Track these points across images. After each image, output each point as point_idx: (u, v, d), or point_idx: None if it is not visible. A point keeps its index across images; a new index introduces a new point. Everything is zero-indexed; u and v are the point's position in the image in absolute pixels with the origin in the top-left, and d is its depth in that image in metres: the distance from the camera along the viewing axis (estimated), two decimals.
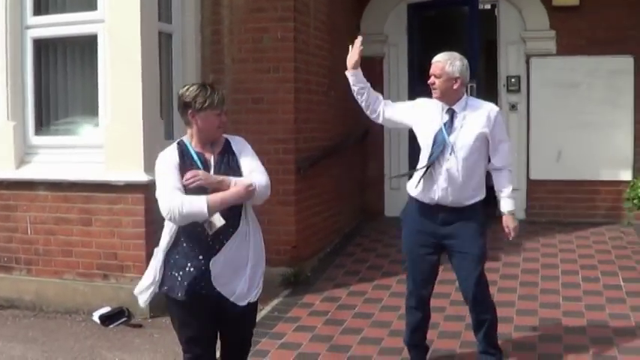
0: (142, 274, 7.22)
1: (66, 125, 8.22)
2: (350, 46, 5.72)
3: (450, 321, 6.67)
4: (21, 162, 8.06)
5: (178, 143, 4.67)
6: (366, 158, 11.30)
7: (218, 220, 4.45)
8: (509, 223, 5.57)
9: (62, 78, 8.27)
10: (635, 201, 8.47)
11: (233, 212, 4.54)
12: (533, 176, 10.77)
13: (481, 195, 5.59)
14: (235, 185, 4.47)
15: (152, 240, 7.20)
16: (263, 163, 4.71)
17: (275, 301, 7.64)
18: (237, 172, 4.59)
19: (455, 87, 5.44)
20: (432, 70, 5.51)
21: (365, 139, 10.81)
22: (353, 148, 10.53)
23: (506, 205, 5.57)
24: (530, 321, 6.78)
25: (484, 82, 11.15)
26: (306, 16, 8.70)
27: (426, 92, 5.61)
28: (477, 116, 5.46)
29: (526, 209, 10.81)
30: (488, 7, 11.59)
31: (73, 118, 8.24)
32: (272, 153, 7.97)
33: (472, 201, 5.54)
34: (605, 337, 6.30)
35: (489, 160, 5.58)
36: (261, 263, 4.76)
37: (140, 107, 7.35)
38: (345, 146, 10.07)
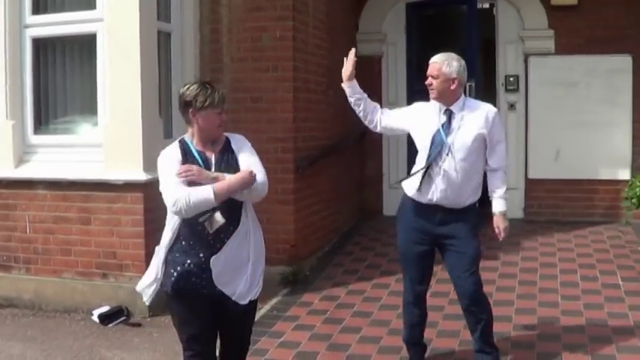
0: (142, 273, 7.22)
1: (65, 124, 8.22)
2: (345, 58, 5.73)
3: (449, 320, 6.67)
4: (20, 161, 8.06)
5: (180, 141, 4.67)
6: (365, 157, 11.30)
7: (218, 219, 4.47)
8: (499, 224, 5.57)
9: (61, 77, 8.26)
10: (633, 200, 8.48)
11: (233, 210, 4.56)
12: (532, 175, 10.79)
13: (478, 196, 5.60)
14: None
15: (151, 239, 7.22)
16: (262, 162, 4.71)
17: (274, 300, 7.65)
18: (236, 169, 4.59)
19: (452, 88, 5.44)
20: (429, 71, 5.51)
21: (363, 139, 10.80)
22: (352, 147, 10.54)
23: (498, 205, 5.58)
24: (529, 320, 6.80)
25: (482, 81, 11.15)
26: (304, 15, 8.71)
27: (425, 91, 5.60)
28: (475, 117, 5.46)
29: (524, 208, 10.82)
30: (486, 6, 11.59)
31: (72, 117, 8.23)
32: (271, 152, 7.97)
33: (469, 202, 5.55)
34: (603, 336, 6.31)
35: (486, 161, 5.59)
36: (262, 261, 4.78)
37: (139, 106, 7.35)
38: (344, 145, 10.08)
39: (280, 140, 8.25)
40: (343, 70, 5.72)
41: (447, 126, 5.46)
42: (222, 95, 4.58)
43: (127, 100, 7.39)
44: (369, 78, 11.08)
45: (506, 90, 10.86)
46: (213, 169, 4.56)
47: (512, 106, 10.84)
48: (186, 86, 4.63)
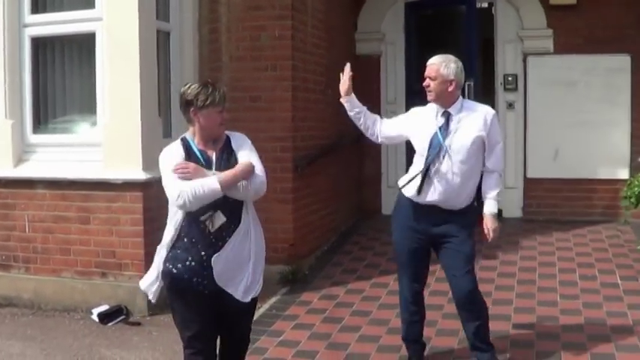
0: (141, 272, 7.34)
1: (64, 123, 8.22)
2: (340, 73, 5.74)
3: (448, 318, 6.67)
4: (19, 160, 8.06)
5: (182, 140, 4.70)
6: (363, 157, 11.30)
7: (220, 217, 4.49)
8: (489, 225, 5.57)
9: (60, 76, 8.26)
10: (632, 199, 8.48)
11: (234, 209, 4.59)
12: (531, 175, 10.79)
13: (474, 196, 5.61)
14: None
15: (150, 238, 7.24)
16: (261, 161, 4.73)
17: (273, 299, 7.66)
18: None
19: (450, 89, 5.45)
20: (426, 73, 5.52)
21: (362, 138, 10.75)
22: (350, 146, 10.54)
23: (489, 206, 5.59)
24: (528, 319, 6.80)
25: (481, 80, 11.14)
26: (303, 14, 8.71)
27: (423, 91, 5.60)
28: (473, 119, 5.47)
29: (523, 208, 10.84)
30: (485, 5, 11.60)
31: (71, 116, 8.24)
32: (270, 151, 7.96)
33: (466, 203, 5.57)
34: (602, 335, 6.31)
35: (483, 163, 5.60)
36: (262, 259, 4.82)
37: (138, 105, 7.36)
38: (343, 145, 10.08)
39: (279, 139, 8.25)
40: (341, 85, 5.73)
41: (445, 128, 5.46)
42: (223, 94, 4.61)
43: (126, 100, 7.40)
44: (368, 77, 11.13)
45: (505, 89, 10.86)
46: (214, 168, 4.58)
47: (510, 106, 10.84)
48: (187, 85, 4.65)
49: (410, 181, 5.53)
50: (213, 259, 4.53)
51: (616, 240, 9.33)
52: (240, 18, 8.39)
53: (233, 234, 4.58)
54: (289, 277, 8.18)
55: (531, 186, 10.80)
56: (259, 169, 4.63)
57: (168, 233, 4.64)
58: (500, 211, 10.51)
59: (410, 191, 5.60)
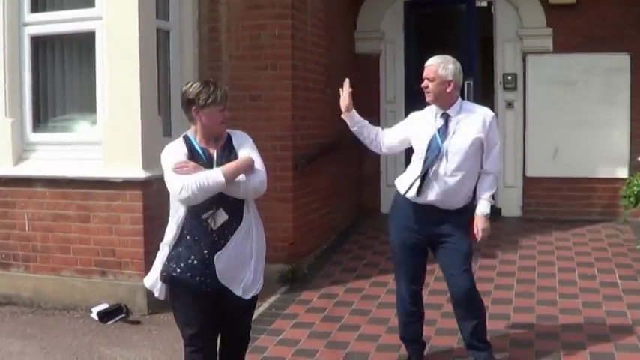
0: (141, 270, 7.37)
1: (64, 122, 8.23)
2: (340, 89, 5.75)
3: (448, 317, 6.65)
4: (19, 159, 8.07)
5: (184, 138, 4.72)
6: (363, 156, 11.27)
7: (222, 215, 4.52)
8: (479, 225, 5.54)
9: (60, 75, 8.27)
10: (631, 199, 8.49)
11: (236, 207, 4.63)
12: (530, 174, 10.80)
13: (471, 197, 5.62)
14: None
15: (150, 237, 7.25)
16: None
17: (272, 298, 7.67)
18: None
19: (448, 90, 5.45)
20: (425, 74, 5.52)
21: None
22: (350, 145, 10.50)
23: (482, 207, 5.57)
24: (527, 318, 6.81)
25: (481, 79, 11.15)
26: (303, 13, 8.71)
27: (423, 90, 5.60)
28: (472, 121, 5.47)
29: (522, 207, 10.85)
30: (484, 4, 11.59)
31: (71, 115, 8.24)
32: (269, 150, 7.96)
33: (463, 204, 5.58)
34: (601, 334, 6.32)
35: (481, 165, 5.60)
36: (263, 257, 4.86)
37: (138, 104, 7.36)
38: (342, 144, 10.07)
39: (279, 138, 8.25)
40: (341, 101, 5.74)
41: (444, 130, 5.47)
42: (224, 92, 4.64)
43: (126, 98, 7.40)
44: (367, 76, 11.14)
45: (505, 88, 10.86)
46: (214, 165, 4.61)
47: (510, 105, 10.85)
48: (189, 84, 4.68)
49: (411, 186, 5.52)
50: (215, 257, 4.57)
51: (615, 239, 9.34)
52: (240, 17, 8.40)
53: (235, 232, 4.62)
54: (289, 275, 8.18)
55: (530, 185, 10.81)
56: (260, 167, 4.66)
57: (171, 231, 4.67)
58: (499, 210, 10.72)
59: (407, 192, 5.61)
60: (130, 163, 7.41)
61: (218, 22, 8.47)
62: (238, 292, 4.67)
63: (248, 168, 4.61)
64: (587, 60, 10.45)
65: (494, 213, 10.46)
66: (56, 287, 7.83)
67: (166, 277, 4.68)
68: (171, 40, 8.28)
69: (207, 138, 4.69)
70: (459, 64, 5.52)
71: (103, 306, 7.48)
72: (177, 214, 4.63)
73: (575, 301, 7.20)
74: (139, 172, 7.37)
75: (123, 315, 7.42)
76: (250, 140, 4.82)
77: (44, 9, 8.17)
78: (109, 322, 7.32)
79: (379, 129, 5.88)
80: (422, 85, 5.54)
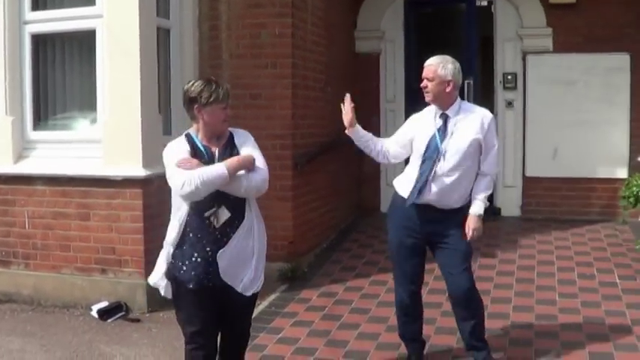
0: (141, 268, 7.37)
1: (64, 120, 8.23)
2: (342, 105, 5.75)
3: (447, 316, 6.64)
4: (19, 157, 8.06)
5: (186, 136, 4.75)
6: (363, 154, 11.25)
7: (224, 213, 4.55)
8: (471, 224, 5.52)
9: (60, 73, 8.27)
10: (630, 199, 8.49)
11: (238, 205, 4.66)
12: (529, 173, 10.81)
13: (469, 196, 5.62)
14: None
15: (150, 235, 7.26)
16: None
17: (272, 296, 7.67)
18: None
19: (447, 90, 5.46)
20: (424, 74, 5.53)
21: None
22: (349, 144, 10.49)
23: (476, 207, 5.55)
24: (527, 317, 6.82)
25: (480, 79, 11.15)
26: (303, 12, 8.72)
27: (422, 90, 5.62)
28: (471, 122, 5.48)
29: (522, 206, 10.86)
30: (484, 3, 11.59)
31: (71, 113, 8.24)
32: (269, 149, 7.94)
33: (461, 203, 5.58)
34: (600, 334, 6.33)
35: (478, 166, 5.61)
36: (264, 255, 4.90)
37: (138, 102, 7.36)
38: (342, 142, 10.05)
39: (279, 137, 8.25)
40: (344, 117, 5.73)
41: (443, 130, 5.48)
42: (226, 91, 4.66)
43: (127, 97, 7.40)
44: (367, 75, 11.15)
45: (505, 88, 10.88)
46: (216, 163, 4.62)
47: (510, 104, 10.86)
48: (191, 82, 4.70)
49: (415, 190, 5.51)
50: (218, 254, 4.60)
51: (614, 239, 9.35)
52: (241, 15, 8.40)
53: (237, 230, 4.66)
54: (288, 274, 8.19)
55: (530, 185, 10.82)
56: (263, 165, 4.69)
57: (173, 230, 4.69)
58: (498, 210, 10.70)
59: (405, 191, 5.62)
60: (130, 161, 7.41)
61: (218, 20, 8.47)
62: (240, 289, 4.71)
63: (250, 165, 4.63)
64: (587, 60, 10.46)
65: (494, 212, 10.55)
66: (56, 285, 7.83)
67: (172, 275, 4.70)
68: (172, 38, 8.28)
69: (209, 136, 4.71)
70: (458, 64, 5.52)
71: (103, 304, 7.48)
72: (179, 212, 4.65)
73: (574, 300, 7.21)
74: (139, 171, 7.37)
75: (123, 313, 7.41)
76: (252, 139, 4.85)
77: (45, 7, 8.17)
78: (109, 320, 7.31)
79: (383, 140, 5.90)
80: (421, 85, 5.55)
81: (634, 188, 8.35)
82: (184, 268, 4.65)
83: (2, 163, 8.02)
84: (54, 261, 7.85)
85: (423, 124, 5.61)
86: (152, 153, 7.32)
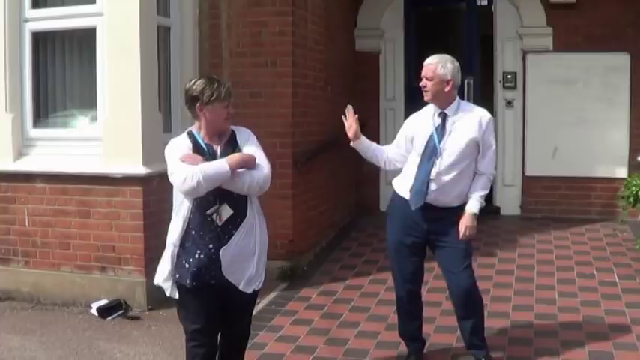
0: (141, 266, 7.38)
1: (64, 118, 8.23)
2: (343, 117, 5.75)
3: (447, 315, 6.65)
4: (19, 154, 8.06)
5: (188, 133, 4.75)
6: None
7: (227, 210, 4.56)
8: (465, 222, 5.51)
9: (61, 71, 8.26)
10: (630, 199, 8.49)
11: (240, 203, 4.68)
12: (529, 173, 10.80)
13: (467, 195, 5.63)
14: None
15: (150, 233, 7.28)
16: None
17: (272, 295, 7.68)
18: None
19: (446, 89, 5.46)
20: (423, 73, 5.54)
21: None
22: (349, 142, 10.54)
23: (471, 205, 5.54)
24: (526, 316, 6.82)
25: (480, 78, 11.15)
26: (303, 10, 8.72)
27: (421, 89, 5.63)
28: (469, 121, 5.49)
29: (521, 205, 10.85)
30: (485, 3, 11.59)
31: (71, 110, 8.24)
32: (269, 147, 7.84)
33: (460, 202, 5.59)
34: (600, 333, 6.35)
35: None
36: (265, 252, 4.92)
37: (139, 100, 7.36)
38: (342, 141, 10.07)
39: (279, 135, 8.25)
40: (347, 129, 5.73)
41: (441, 128, 5.49)
42: (228, 89, 4.67)
43: (127, 95, 7.40)
44: (367, 74, 11.15)
45: (504, 87, 10.87)
46: None
47: (509, 104, 10.85)
48: (193, 81, 4.70)
49: (419, 191, 5.52)
50: (221, 252, 4.62)
51: (614, 238, 9.35)
52: (241, 14, 8.40)
53: (239, 228, 4.68)
54: (288, 272, 8.21)
55: (530, 184, 10.81)
56: (265, 163, 4.70)
57: (176, 227, 4.70)
58: (498, 209, 10.71)
59: (404, 190, 5.63)
60: (130, 159, 7.41)
61: (219, 18, 8.48)
62: (241, 286, 4.73)
63: (251, 164, 4.63)
64: (587, 59, 10.46)
65: (493, 212, 10.55)
66: (56, 283, 7.84)
67: (177, 272, 4.71)
68: (172, 36, 8.29)
69: (211, 134, 4.72)
70: (457, 64, 5.53)
71: (103, 302, 7.48)
72: (181, 209, 4.66)
73: (574, 299, 7.22)
74: (139, 169, 7.38)
75: (122, 311, 7.41)
76: (254, 137, 4.86)
77: (45, 5, 8.16)
78: (109, 318, 7.32)
79: (386, 148, 5.92)
80: (420, 84, 5.55)
81: (633, 188, 8.36)
82: (186, 265, 4.66)
83: (2, 161, 8.02)
84: (54, 259, 7.86)
85: (421, 123, 5.62)
86: (152, 151, 7.33)
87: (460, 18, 11.03)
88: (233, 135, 4.81)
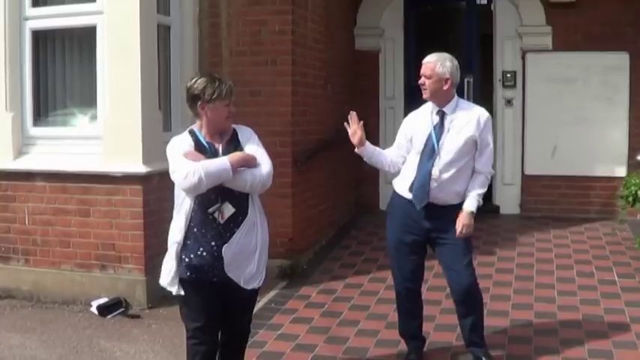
0: (140, 265, 7.40)
1: (64, 116, 8.22)
2: (345, 123, 5.74)
3: (447, 314, 6.67)
4: (19, 153, 8.05)
5: (190, 132, 4.76)
6: None
7: (229, 208, 4.57)
8: (463, 220, 5.51)
9: (61, 69, 8.26)
10: (629, 199, 8.50)
11: (241, 201, 4.68)
12: (528, 171, 10.81)
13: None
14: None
15: (150, 231, 7.29)
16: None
17: (272, 293, 7.68)
18: None
19: (445, 88, 5.47)
20: (422, 71, 5.55)
21: None
22: (349, 141, 10.53)
23: (468, 204, 5.54)
24: (526, 315, 6.83)
25: (480, 77, 11.15)
26: (303, 9, 8.72)
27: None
28: (467, 120, 5.50)
29: (521, 204, 10.85)
30: (484, 1, 11.60)
31: (71, 109, 8.24)
32: (269, 146, 7.81)
33: (459, 199, 5.59)
34: (599, 332, 6.35)
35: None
36: (266, 250, 4.95)
37: (139, 99, 7.36)
38: (342, 140, 10.07)
39: (279, 134, 8.24)
40: (351, 135, 5.71)
41: (440, 126, 5.51)
42: (229, 87, 4.68)
43: (127, 93, 7.40)
44: (367, 73, 11.15)
45: (504, 86, 10.87)
46: None
47: (509, 102, 10.86)
48: (194, 79, 4.71)
49: (421, 191, 5.53)
50: (223, 249, 4.63)
51: (613, 237, 9.36)
52: (241, 12, 8.40)
53: (241, 225, 4.70)
54: (288, 271, 8.21)
55: (529, 183, 10.82)
56: (267, 161, 4.71)
57: (178, 225, 4.71)
58: (497, 208, 10.72)
59: (403, 189, 5.64)
60: (130, 157, 7.41)
61: (219, 17, 8.48)
62: (242, 283, 4.75)
63: (252, 163, 4.65)
64: (587, 58, 10.46)
65: (493, 210, 10.56)
66: (56, 281, 7.84)
67: (181, 270, 4.73)
68: (172, 35, 8.29)
69: (212, 133, 4.73)
70: (456, 62, 5.54)
71: (103, 300, 7.49)
72: (183, 207, 4.68)
73: (573, 298, 7.23)
74: (139, 167, 7.38)
75: (122, 309, 7.42)
76: (256, 135, 4.89)
77: (45, 3, 8.16)
78: (109, 317, 7.32)
79: (389, 151, 5.89)
80: (419, 82, 5.56)
81: (632, 187, 8.37)
82: (187, 260, 4.68)
83: (2, 159, 8.02)
84: (54, 257, 7.86)
85: (420, 121, 5.64)
86: (152, 149, 7.34)
87: (460, 17, 11.04)
88: (235, 133, 4.82)
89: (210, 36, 8.51)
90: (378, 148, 5.86)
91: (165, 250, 4.82)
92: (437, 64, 5.46)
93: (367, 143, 5.75)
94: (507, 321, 6.68)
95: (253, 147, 4.77)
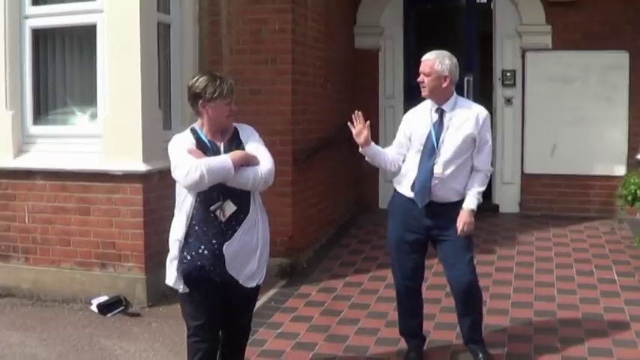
0: (140, 263, 7.40)
1: (64, 115, 8.23)
2: (348, 123, 5.76)
3: (447, 312, 6.67)
4: (19, 151, 8.06)
5: (191, 130, 4.77)
6: None
7: (230, 206, 4.58)
8: (463, 218, 5.51)
9: (61, 68, 8.27)
10: (629, 198, 8.50)
11: (243, 199, 4.71)
12: (528, 170, 10.81)
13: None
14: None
15: (150, 230, 7.29)
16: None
17: (272, 292, 7.68)
18: None
19: (444, 85, 5.48)
20: (421, 68, 5.55)
21: None
22: (349, 140, 10.49)
23: (468, 202, 5.54)
24: (526, 313, 6.84)
25: (479, 75, 11.15)
26: (303, 7, 8.72)
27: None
28: (466, 118, 5.51)
29: (520, 203, 10.85)
30: (484, 0, 11.61)
31: (71, 107, 8.24)
32: (269, 144, 7.87)
33: (459, 198, 5.60)
34: (599, 330, 6.36)
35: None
36: (267, 248, 4.96)
37: (139, 97, 7.36)
38: (341, 138, 10.08)
39: (279, 133, 8.23)
40: (356, 135, 5.70)
41: (439, 124, 5.52)
42: (230, 86, 4.70)
43: (127, 91, 7.41)
44: (367, 72, 11.15)
45: (504, 85, 10.87)
46: None
47: (508, 101, 10.86)
48: (195, 78, 4.72)
49: (421, 191, 5.53)
50: (224, 247, 4.65)
51: (613, 236, 9.37)
52: (241, 11, 8.40)
53: (242, 223, 4.72)
54: (288, 269, 8.21)
55: (529, 182, 10.82)
56: (268, 158, 4.72)
57: (180, 223, 4.72)
58: (497, 206, 10.72)
59: (403, 188, 5.65)
60: (130, 156, 7.42)
61: (219, 15, 8.47)
62: (242, 281, 4.77)
63: (253, 162, 4.67)
64: (586, 57, 10.46)
65: (492, 209, 10.56)
66: (56, 279, 7.84)
67: (182, 267, 4.74)
68: (172, 33, 8.29)
69: (213, 131, 4.75)
70: (455, 60, 5.55)
71: (103, 298, 7.49)
72: (184, 205, 4.69)
73: (573, 297, 7.23)
74: (139, 165, 7.38)
75: (122, 307, 7.42)
76: (257, 134, 4.90)
77: (45, 2, 8.16)
78: (109, 315, 7.33)
79: (389, 149, 5.89)
80: (418, 79, 5.57)
81: (632, 187, 8.37)
82: (188, 257, 4.70)
83: (2, 158, 8.02)
84: (54, 255, 7.86)
85: (418, 119, 5.65)
86: (152, 148, 7.35)
87: (459, 15, 11.04)
88: (236, 132, 4.83)
89: (210, 34, 8.51)
90: (379, 148, 5.86)
91: (166, 248, 4.84)
92: (436, 61, 5.47)
93: (372, 144, 5.75)
94: (507, 319, 6.68)
95: (254, 145, 4.78)
